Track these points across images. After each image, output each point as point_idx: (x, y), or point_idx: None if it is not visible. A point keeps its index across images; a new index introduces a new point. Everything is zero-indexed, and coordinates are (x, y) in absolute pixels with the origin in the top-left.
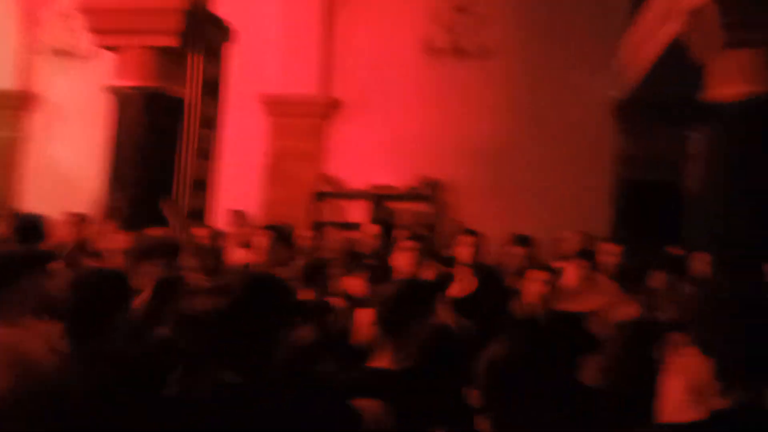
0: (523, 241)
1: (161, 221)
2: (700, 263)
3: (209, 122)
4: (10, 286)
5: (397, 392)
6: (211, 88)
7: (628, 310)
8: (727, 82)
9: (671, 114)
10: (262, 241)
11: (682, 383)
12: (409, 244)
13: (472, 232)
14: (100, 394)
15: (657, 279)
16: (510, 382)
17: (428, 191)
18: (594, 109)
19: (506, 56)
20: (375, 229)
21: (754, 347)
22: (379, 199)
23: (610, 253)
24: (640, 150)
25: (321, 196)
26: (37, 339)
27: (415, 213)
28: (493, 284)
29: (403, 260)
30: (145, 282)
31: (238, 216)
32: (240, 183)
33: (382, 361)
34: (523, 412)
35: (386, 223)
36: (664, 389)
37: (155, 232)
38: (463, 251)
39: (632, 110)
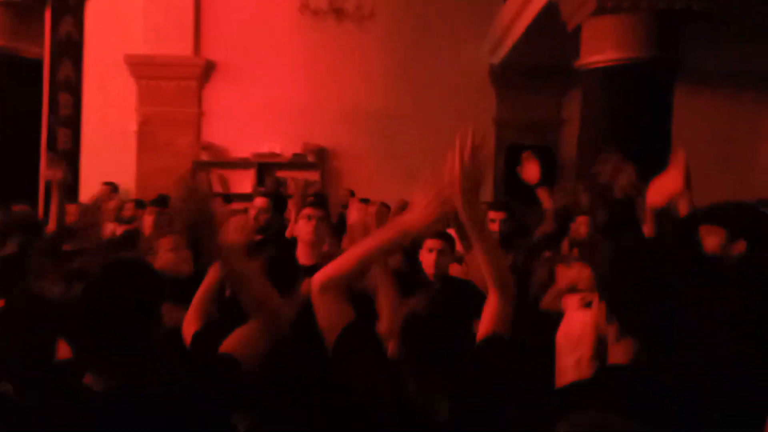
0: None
1: (23, 196)
2: (582, 225)
3: (70, 86)
4: None
5: None
6: (71, 49)
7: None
8: (598, 48)
9: (546, 79)
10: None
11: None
12: (311, 211)
13: (366, 201)
14: None
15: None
16: (418, 336)
17: (314, 158)
18: (473, 74)
19: (385, 18)
20: (263, 201)
21: (647, 304)
22: (264, 167)
23: (492, 220)
24: (517, 115)
25: (201, 165)
26: None
27: (302, 181)
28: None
29: (305, 229)
30: None
31: (110, 189)
32: (109, 153)
33: None
34: (429, 361)
35: (277, 194)
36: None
37: (17, 207)
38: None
39: (509, 75)
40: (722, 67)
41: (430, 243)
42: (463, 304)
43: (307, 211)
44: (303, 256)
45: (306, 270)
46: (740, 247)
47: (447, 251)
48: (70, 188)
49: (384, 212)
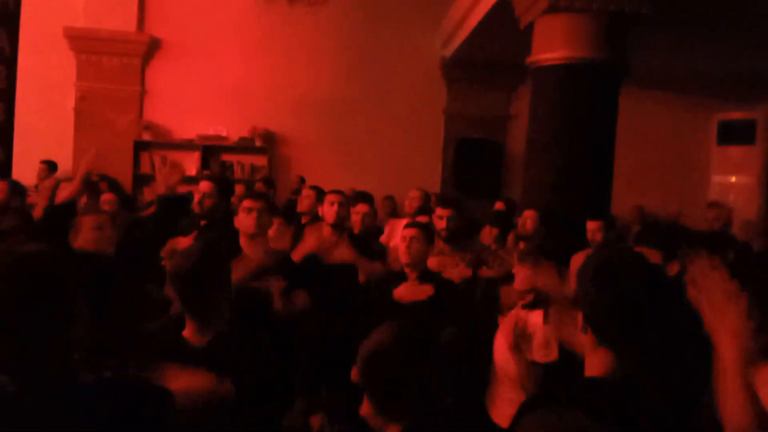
0: (364, 197)
1: None
2: (528, 220)
3: (4, 58)
4: None
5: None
6: (7, 18)
7: (459, 270)
8: (549, 46)
9: (496, 74)
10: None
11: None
12: (251, 203)
13: (317, 189)
14: None
15: (486, 235)
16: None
17: (261, 143)
18: (425, 66)
19: (338, 5)
20: (208, 185)
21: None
22: (210, 150)
23: (439, 216)
24: (467, 108)
25: (143, 145)
26: None
27: (249, 166)
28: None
29: (246, 222)
30: None
31: (47, 167)
32: (46, 129)
33: (187, 331)
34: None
35: (222, 178)
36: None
37: None
38: (327, 210)
39: (460, 69)
40: (665, 70)
41: (405, 232)
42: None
43: (246, 203)
44: (246, 247)
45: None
46: (675, 267)
47: (422, 239)
48: (2, 165)
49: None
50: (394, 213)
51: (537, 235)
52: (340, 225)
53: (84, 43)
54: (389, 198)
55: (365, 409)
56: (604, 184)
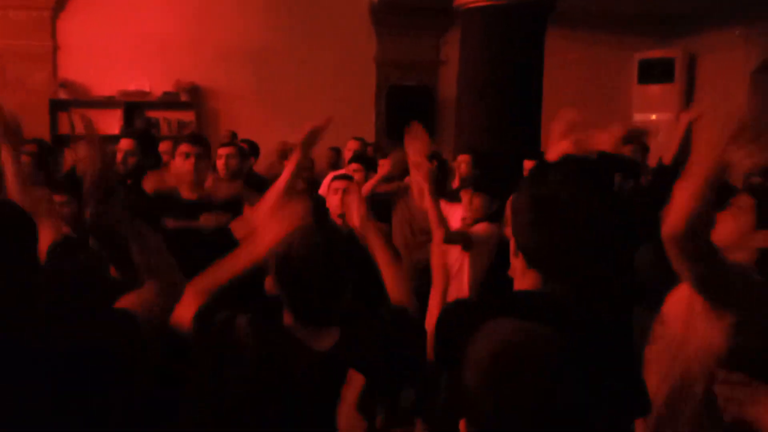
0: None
1: None
2: (463, 164)
3: None
4: None
5: None
6: None
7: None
8: None
9: (426, 19)
10: None
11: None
12: (187, 148)
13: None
14: None
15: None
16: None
17: (187, 97)
18: (353, 12)
19: None
20: (128, 142)
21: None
22: (132, 107)
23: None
24: (397, 55)
25: (60, 104)
26: None
27: (176, 122)
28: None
29: (184, 168)
30: None
31: None
32: None
33: None
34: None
35: (144, 133)
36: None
37: None
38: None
39: (389, 15)
40: (587, 10)
41: (335, 184)
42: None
43: (183, 147)
44: (184, 192)
45: (190, 205)
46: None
47: (353, 190)
48: None
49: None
50: (336, 165)
51: (472, 177)
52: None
53: None
54: (334, 149)
55: (287, 319)
56: (534, 125)
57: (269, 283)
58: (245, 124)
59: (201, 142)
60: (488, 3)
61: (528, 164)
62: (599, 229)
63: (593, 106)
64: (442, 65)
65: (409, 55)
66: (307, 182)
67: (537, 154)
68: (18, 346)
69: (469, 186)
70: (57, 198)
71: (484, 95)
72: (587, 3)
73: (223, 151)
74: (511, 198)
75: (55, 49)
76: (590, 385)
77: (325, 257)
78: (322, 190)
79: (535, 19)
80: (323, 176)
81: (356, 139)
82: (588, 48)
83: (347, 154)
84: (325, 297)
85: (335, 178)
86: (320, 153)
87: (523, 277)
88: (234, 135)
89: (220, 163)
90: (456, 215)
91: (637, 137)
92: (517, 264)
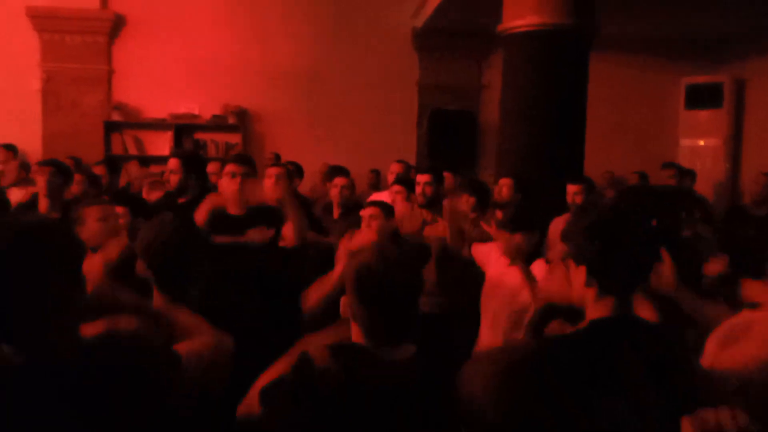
0: (340, 171)
1: None
2: (504, 187)
3: None
4: None
5: None
6: None
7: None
8: (519, 13)
9: (468, 43)
10: (40, 179)
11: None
12: (234, 167)
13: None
14: None
15: (465, 203)
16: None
17: (235, 120)
18: (396, 36)
19: None
20: (174, 162)
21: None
22: (182, 129)
23: (417, 182)
24: (439, 78)
25: (113, 126)
26: None
27: (224, 144)
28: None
29: (230, 187)
30: None
31: (6, 151)
32: (12, 112)
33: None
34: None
35: (191, 155)
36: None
37: None
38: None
39: (431, 39)
40: (633, 34)
41: (364, 212)
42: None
43: (230, 167)
44: (231, 209)
45: (237, 221)
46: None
47: (380, 216)
48: None
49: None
50: (377, 186)
51: (513, 202)
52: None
53: (47, 22)
54: (374, 171)
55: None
56: (576, 150)
57: (343, 305)
58: (289, 146)
59: (247, 162)
60: (531, 28)
61: (571, 189)
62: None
63: (639, 132)
64: (484, 89)
65: (452, 79)
66: (349, 202)
67: (580, 179)
68: (53, 366)
69: (507, 227)
70: (118, 209)
71: (526, 120)
72: (633, 27)
73: (272, 171)
74: (556, 223)
75: (110, 73)
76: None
77: (404, 272)
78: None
79: (579, 43)
80: (364, 197)
81: (399, 162)
82: (633, 73)
83: (389, 177)
84: (405, 312)
85: (367, 204)
86: (361, 174)
87: (595, 306)
88: (278, 156)
89: (268, 183)
90: (492, 254)
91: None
92: (588, 294)
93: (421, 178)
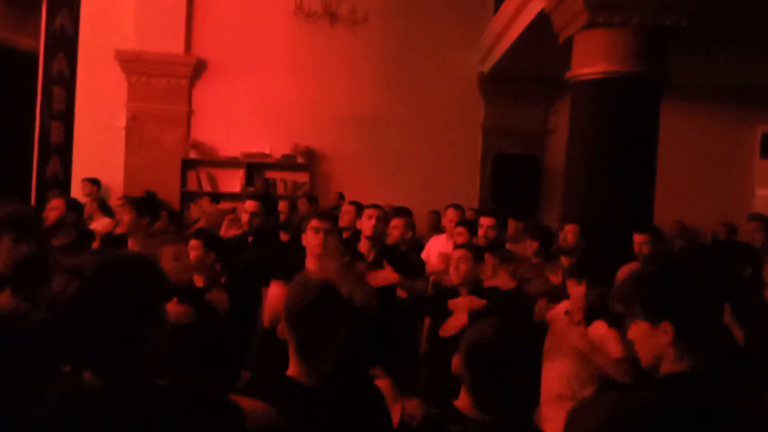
0: (402, 212)
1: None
2: (570, 233)
3: (64, 80)
4: None
5: (308, 408)
6: (65, 42)
7: (502, 280)
8: (588, 60)
9: (535, 89)
10: (124, 213)
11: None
12: (318, 223)
13: (357, 204)
14: None
15: (529, 248)
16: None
17: (303, 159)
18: (462, 81)
19: (378, 23)
20: (254, 204)
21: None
22: (253, 167)
23: (480, 225)
24: (504, 123)
25: (189, 163)
26: None
27: (292, 183)
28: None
29: (314, 242)
30: None
31: (91, 185)
32: (99, 148)
33: (294, 369)
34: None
35: (267, 195)
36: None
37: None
38: (364, 223)
39: (497, 84)
40: (706, 82)
41: (454, 253)
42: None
43: (314, 222)
44: (311, 265)
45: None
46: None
47: (470, 259)
48: (62, 182)
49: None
50: (437, 228)
51: (579, 248)
52: (378, 239)
53: (134, 65)
54: (434, 212)
55: (462, 401)
56: (645, 199)
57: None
58: (354, 185)
59: (330, 218)
60: (600, 75)
61: (638, 238)
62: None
63: (712, 181)
64: (550, 134)
65: (517, 123)
66: (405, 243)
67: (648, 228)
68: (131, 392)
69: (575, 274)
70: (192, 243)
71: (593, 166)
72: (706, 75)
73: (372, 212)
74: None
75: (189, 113)
76: None
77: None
78: (424, 254)
79: (650, 91)
80: (425, 239)
81: (452, 206)
82: (707, 121)
83: (443, 220)
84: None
85: (458, 246)
86: (421, 216)
87: (675, 361)
88: (341, 196)
89: (369, 224)
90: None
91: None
92: (669, 352)
93: (485, 221)
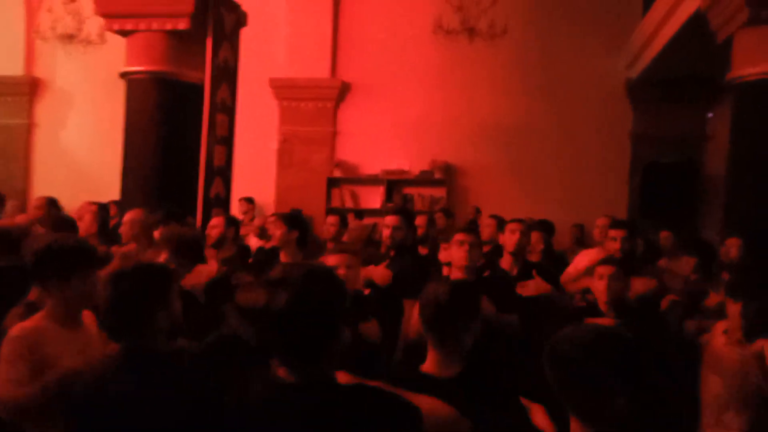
0: (543, 226)
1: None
2: (732, 248)
3: (226, 108)
4: (66, 281)
5: (443, 399)
6: (228, 73)
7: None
8: (751, 61)
9: (689, 92)
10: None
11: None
12: (463, 236)
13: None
14: (155, 400)
15: (686, 264)
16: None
17: (441, 175)
18: (608, 88)
19: (518, 35)
20: (396, 219)
21: None
22: (393, 184)
23: (612, 238)
24: (655, 130)
25: (334, 181)
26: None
27: (429, 198)
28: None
29: (459, 255)
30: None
31: (247, 203)
32: (254, 169)
33: (430, 364)
34: None
35: (406, 211)
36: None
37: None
38: (507, 238)
39: (647, 89)
40: None
41: (602, 270)
42: None
43: (459, 236)
44: (455, 274)
45: None
46: None
47: (620, 277)
48: (223, 202)
49: None
50: (581, 241)
51: (743, 264)
52: (520, 253)
53: (286, 91)
54: (577, 226)
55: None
56: None
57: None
58: (492, 199)
59: (474, 233)
60: (761, 77)
61: None
62: None
63: None
64: (708, 140)
65: (669, 129)
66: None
67: None
68: (325, 387)
69: (728, 293)
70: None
71: (759, 175)
72: None
73: (515, 227)
74: None
75: (334, 134)
76: None
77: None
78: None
79: None
80: (569, 254)
81: (607, 216)
82: None
83: (595, 232)
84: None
85: (605, 262)
86: (564, 230)
87: None
88: (478, 210)
89: (512, 239)
90: None
91: None
92: None
93: (616, 233)
